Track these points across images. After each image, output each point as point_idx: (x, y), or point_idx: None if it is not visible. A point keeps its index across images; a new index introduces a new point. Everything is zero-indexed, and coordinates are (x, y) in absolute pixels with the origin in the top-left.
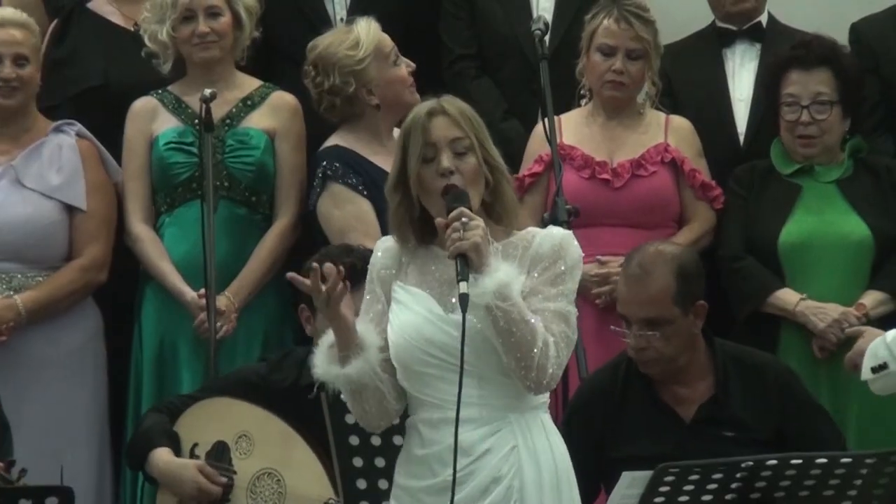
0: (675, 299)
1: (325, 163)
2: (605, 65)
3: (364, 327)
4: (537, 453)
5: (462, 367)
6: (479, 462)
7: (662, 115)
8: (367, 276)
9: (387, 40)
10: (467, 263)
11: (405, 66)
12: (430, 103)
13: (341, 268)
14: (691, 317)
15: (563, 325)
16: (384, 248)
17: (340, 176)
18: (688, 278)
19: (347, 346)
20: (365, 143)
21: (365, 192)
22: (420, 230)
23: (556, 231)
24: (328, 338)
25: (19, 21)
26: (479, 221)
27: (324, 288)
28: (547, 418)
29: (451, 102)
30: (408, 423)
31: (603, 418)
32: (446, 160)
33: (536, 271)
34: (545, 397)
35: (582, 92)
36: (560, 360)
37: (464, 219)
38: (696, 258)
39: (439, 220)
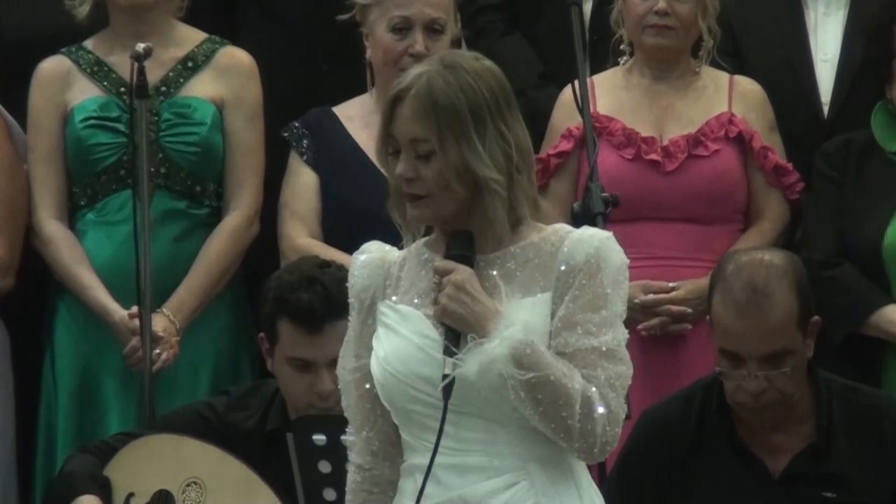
0: (798, 323)
1: (288, 126)
2: (644, 5)
3: None
4: None
5: (436, 449)
6: None
7: (724, 76)
8: (350, 301)
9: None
10: (452, 330)
11: (414, 42)
12: (409, 77)
13: None
14: (808, 340)
15: (613, 365)
16: (361, 261)
17: (295, 141)
18: (805, 292)
19: None
20: (369, 109)
21: (311, 162)
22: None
23: (589, 234)
24: None
25: None
26: (456, 275)
27: None
28: (580, 468)
29: (431, 81)
30: (403, 468)
31: (668, 467)
32: (402, 165)
33: (570, 294)
34: None
35: (621, 47)
36: (614, 413)
37: (435, 278)
38: (801, 264)
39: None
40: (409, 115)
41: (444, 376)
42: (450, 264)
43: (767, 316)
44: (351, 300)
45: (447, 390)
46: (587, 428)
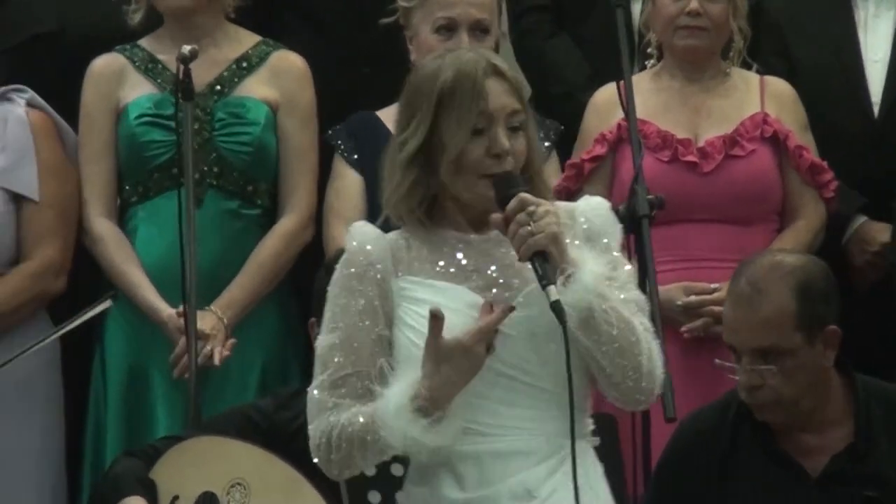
0: (796, 323)
1: (332, 130)
2: (675, 6)
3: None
4: (597, 491)
5: (571, 389)
6: None
7: (754, 77)
8: (342, 279)
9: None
10: (547, 261)
11: (459, 43)
12: (474, 57)
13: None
14: (819, 346)
15: (645, 318)
16: (370, 233)
17: (339, 145)
18: (812, 296)
19: (444, 402)
20: None
21: (356, 164)
22: (427, 212)
23: (597, 202)
24: (403, 387)
25: None
26: (548, 205)
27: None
28: (590, 447)
29: (500, 60)
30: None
31: (706, 474)
32: (504, 137)
33: (594, 254)
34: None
35: (649, 50)
36: (659, 362)
37: (529, 207)
38: (825, 271)
39: (495, 217)
40: (502, 89)
41: (553, 302)
42: (531, 197)
43: (757, 310)
44: (355, 269)
45: (560, 315)
46: (651, 368)
